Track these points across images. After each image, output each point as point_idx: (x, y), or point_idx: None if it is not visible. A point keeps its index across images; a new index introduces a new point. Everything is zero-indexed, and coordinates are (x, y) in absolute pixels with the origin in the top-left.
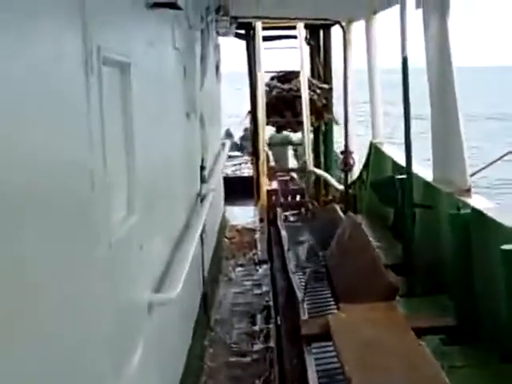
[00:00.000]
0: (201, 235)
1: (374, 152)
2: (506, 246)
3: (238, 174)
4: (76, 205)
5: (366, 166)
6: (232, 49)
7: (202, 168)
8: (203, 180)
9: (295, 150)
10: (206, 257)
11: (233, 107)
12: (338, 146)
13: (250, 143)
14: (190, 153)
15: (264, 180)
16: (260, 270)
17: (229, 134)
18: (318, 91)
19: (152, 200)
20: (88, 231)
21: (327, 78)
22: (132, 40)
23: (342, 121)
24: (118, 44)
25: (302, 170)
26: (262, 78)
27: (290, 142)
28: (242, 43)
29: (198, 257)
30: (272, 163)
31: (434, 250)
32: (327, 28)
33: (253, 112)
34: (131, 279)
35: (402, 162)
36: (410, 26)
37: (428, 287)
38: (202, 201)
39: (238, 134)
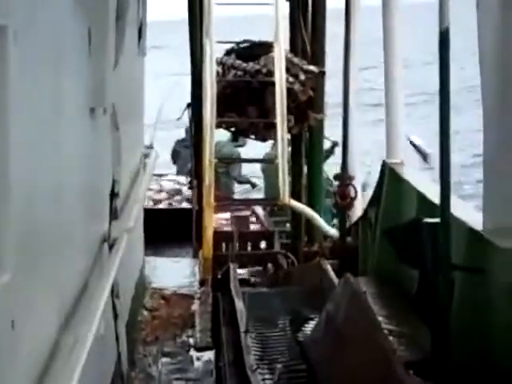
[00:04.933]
0: (112, 303)
1: (390, 179)
2: None
3: (167, 204)
4: None
5: (375, 200)
6: None
7: (113, 195)
8: (114, 215)
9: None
10: (122, 339)
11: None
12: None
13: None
14: (94, 171)
15: (210, 216)
16: (198, 364)
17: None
18: (302, 77)
19: (33, 249)
20: None
21: (317, 55)
22: None
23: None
24: None
25: (273, 202)
26: (213, 52)
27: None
28: None
29: (106, 339)
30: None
31: (482, 338)
32: None
33: (195, 106)
34: None
35: (435, 196)
36: None
37: None
38: (110, 248)
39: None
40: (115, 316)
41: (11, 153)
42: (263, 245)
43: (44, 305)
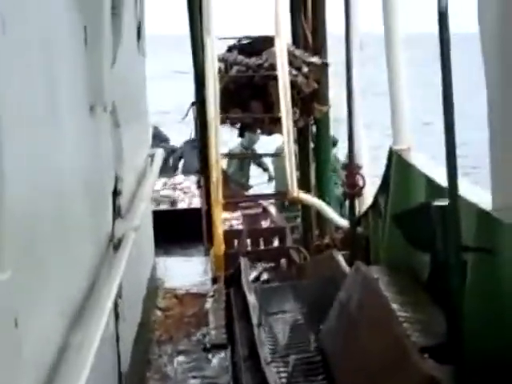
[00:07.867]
0: (115, 303)
1: (397, 165)
2: None
3: (177, 204)
4: None
5: (383, 187)
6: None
7: (116, 194)
8: (117, 213)
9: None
10: (123, 341)
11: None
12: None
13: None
14: (95, 169)
15: (219, 214)
16: (214, 361)
17: (159, 137)
18: (305, 69)
19: (33, 247)
20: None
21: (319, 46)
22: None
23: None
24: None
25: (282, 197)
26: (214, 48)
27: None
28: None
29: (109, 340)
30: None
31: (498, 321)
32: None
33: (199, 103)
34: None
35: (443, 179)
36: None
37: (490, 382)
38: (116, 248)
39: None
40: (116, 316)
41: (6, 152)
42: (276, 242)
43: (49, 304)
